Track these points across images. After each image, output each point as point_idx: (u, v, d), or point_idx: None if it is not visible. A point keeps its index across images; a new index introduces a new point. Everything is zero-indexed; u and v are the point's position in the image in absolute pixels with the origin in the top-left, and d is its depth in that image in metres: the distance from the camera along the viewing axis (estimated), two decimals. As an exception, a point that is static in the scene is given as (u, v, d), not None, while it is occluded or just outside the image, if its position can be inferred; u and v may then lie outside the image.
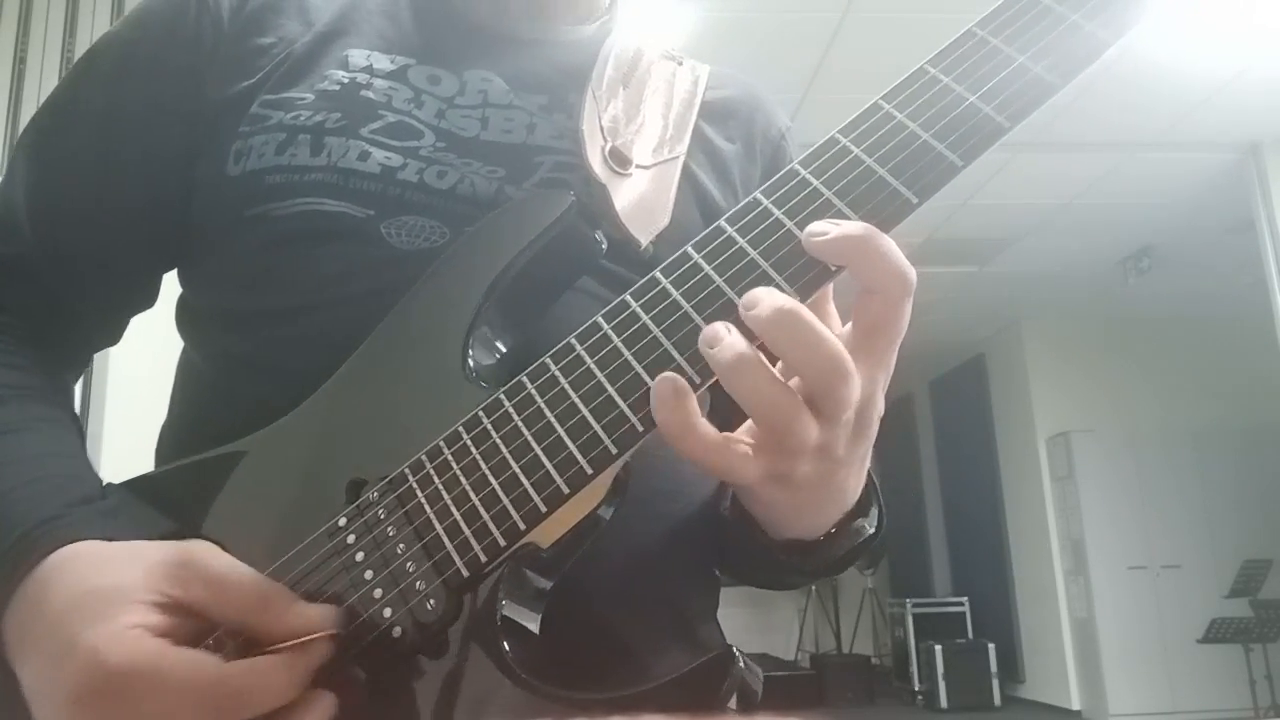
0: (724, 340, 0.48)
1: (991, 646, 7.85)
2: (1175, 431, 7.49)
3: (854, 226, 0.49)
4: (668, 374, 0.49)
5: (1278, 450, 7.20)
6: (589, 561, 0.56)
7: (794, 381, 0.49)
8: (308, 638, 0.50)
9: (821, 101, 4.46)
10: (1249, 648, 6.42)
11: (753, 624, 9.23)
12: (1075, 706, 7.40)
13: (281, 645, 0.49)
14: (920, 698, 8.00)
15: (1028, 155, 4.93)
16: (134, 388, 2.43)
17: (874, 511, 0.62)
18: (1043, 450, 7.80)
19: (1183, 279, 6.67)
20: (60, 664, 0.48)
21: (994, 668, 7.78)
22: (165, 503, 0.62)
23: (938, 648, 7.83)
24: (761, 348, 0.48)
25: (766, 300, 0.48)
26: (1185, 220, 5.86)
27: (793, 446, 0.49)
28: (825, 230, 0.49)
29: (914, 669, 8.14)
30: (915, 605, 8.49)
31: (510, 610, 0.52)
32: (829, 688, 7.91)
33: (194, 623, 0.50)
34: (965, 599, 8.58)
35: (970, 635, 8.27)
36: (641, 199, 0.70)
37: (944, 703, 7.69)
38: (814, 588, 9.13)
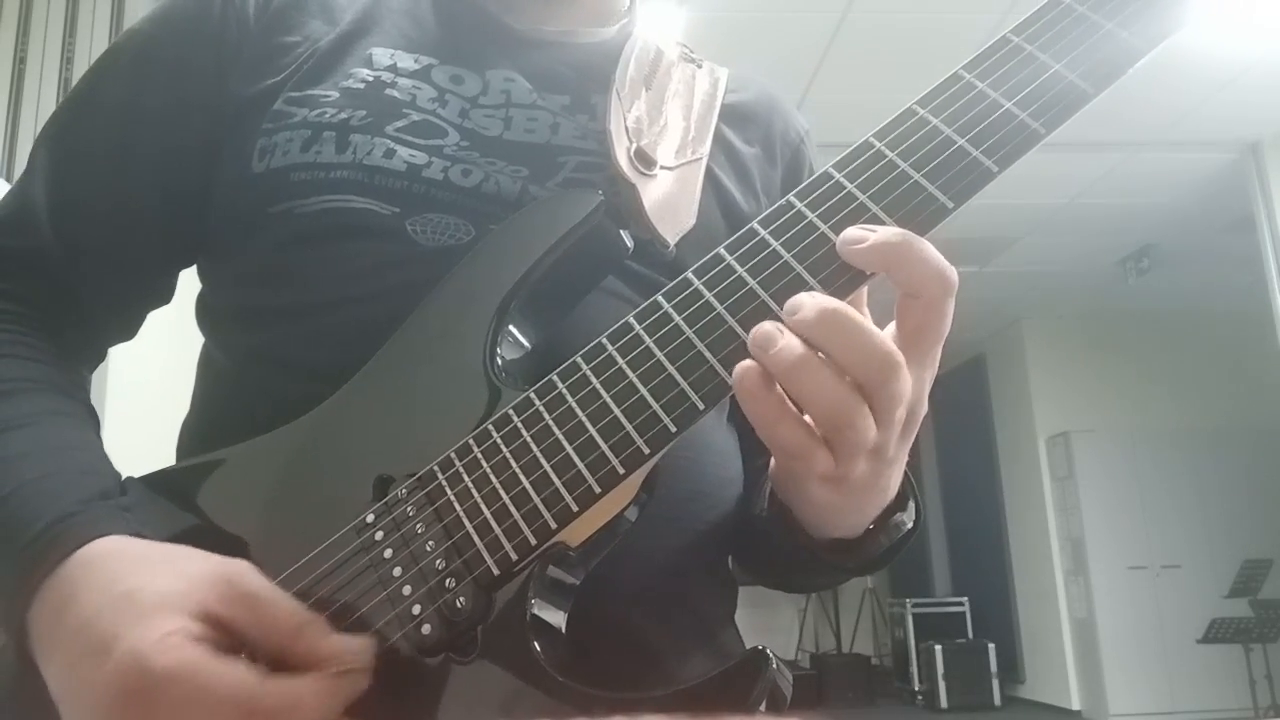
0: (780, 342, 0.47)
1: (991, 646, 7.85)
2: (1175, 431, 7.49)
3: (890, 233, 0.49)
4: (747, 363, 0.48)
5: (1277, 450, 7.21)
6: (613, 563, 0.56)
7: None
8: (346, 666, 0.49)
9: (821, 101, 4.45)
10: (1249, 648, 6.42)
11: (753, 624, 9.16)
12: (1075, 706, 7.40)
13: (324, 671, 0.49)
14: (920, 698, 8.00)
15: (1028, 155, 4.92)
16: (135, 389, 2.43)
17: (911, 505, 0.63)
18: (1043, 450, 7.80)
19: (1183, 278, 6.68)
20: (98, 662, 0.48)
21: (994, 668, 7.78)
22: (185, 498, 0.62)
23: (938, 648, 7.83)
24: None
25: (810, 303, 0.48)
26: (1185, 220, 5.86)
27: (853, 443, 0.49)
28: (862, 237, 0.50)
29: (914, 669, 8.14)
30: (915, 605, 8.48)
31: (540, 609, 0.52)
32: (829, 688, 7.91)
33: (227, 640, 0.50)
34: (965, 599, 8.57)
35: (970, 635, 8.26)
36: (667, 199, 0.70)
37: (944, 703, 7.69)
38: (814, 588, 9.12)
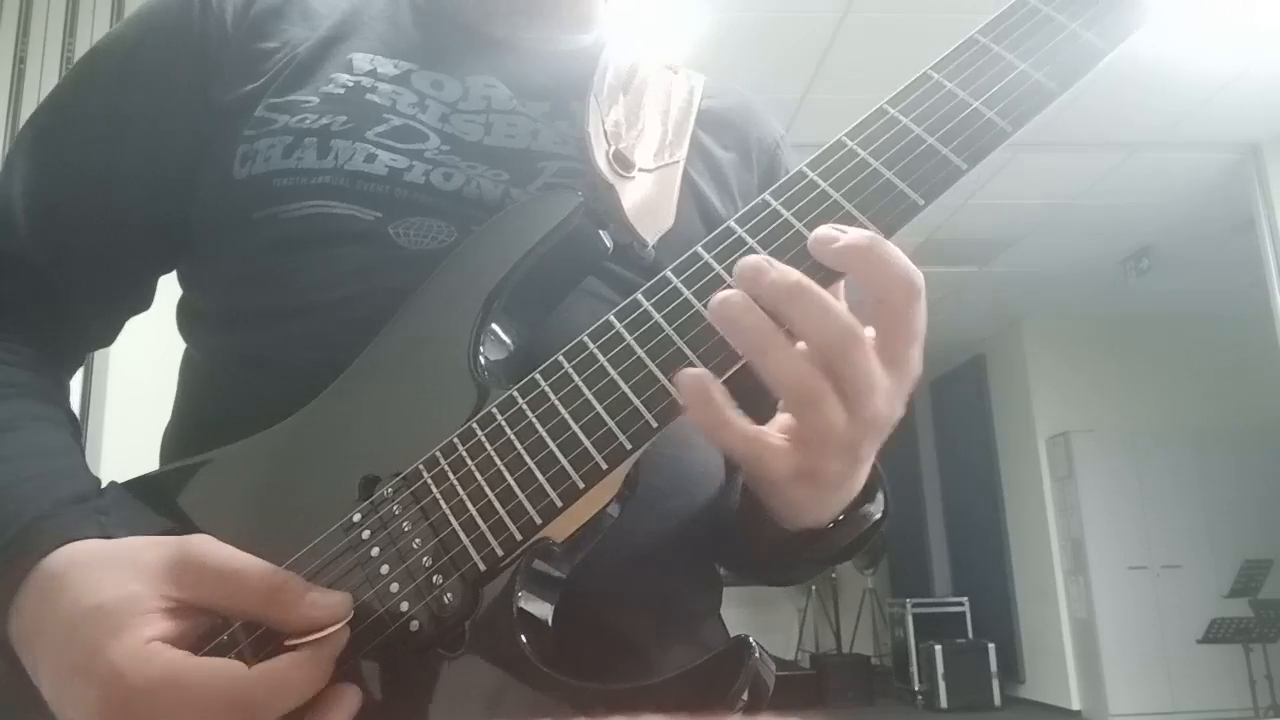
0: (740, 305, 0.49)
1: (991, 646, 7.85)
2: (1175, 431, 7.49)
3: (858, 236, 0.50)
4: (691, 369, 0.49)
5: (1278, 450, 7.20)
6: (597, 558, 0.57)
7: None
8: (325, 632, 0.50)
9: (821, 101, 4.46)
10: (1249, 648, 6.43)
11: (753, 624, 9.21)
12: (1075, 706, 7.40)
13: (300, 641, 0.49)
14: (920, 698, 8.00)
15: (1028, 155, 4.94)
16: (134, 390, 2.43)
17: (879, 497, 0.63)
18: (1043, 450, 7.80)
19: (1183, 279, 6.67)
20: (83, 682, 0.48)
21: (994, 668, 7.78)
22: (168, 502, 0.62)
23: (938, 648, 7.83)
24: None
25: (773, 273, 0.49)
26: (1185, 220, 5.86)
27: (823, 429, 0.50)
28: (834, 238, 0.51)
29: (914, 669, 8.14)
30: (915, 605, 8.49)
31: (526, 602, 0.53)
32: (829, 688, 7.91)
33: (207, 620, 0.50)
34: (965, 599, 8.58)
35: (970, 635, 8.26)
36: (646, 201, 0.71)
37: (944, 703, 7.69)
38: (814, 587, 9.14)
